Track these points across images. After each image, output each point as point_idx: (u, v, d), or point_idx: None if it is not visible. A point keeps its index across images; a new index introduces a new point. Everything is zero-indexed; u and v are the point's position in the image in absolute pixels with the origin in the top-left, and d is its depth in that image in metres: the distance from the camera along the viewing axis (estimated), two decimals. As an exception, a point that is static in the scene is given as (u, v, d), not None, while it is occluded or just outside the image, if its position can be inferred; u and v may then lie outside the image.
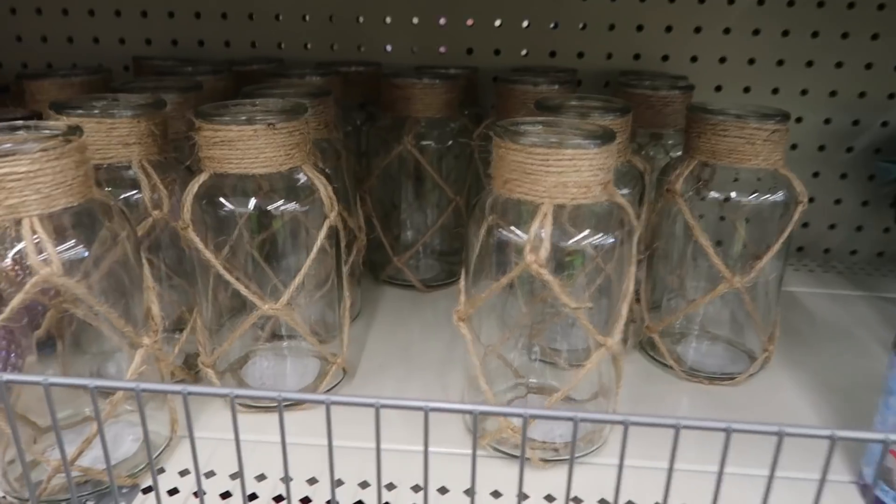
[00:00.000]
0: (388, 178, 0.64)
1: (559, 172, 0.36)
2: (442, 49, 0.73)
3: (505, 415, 0.31)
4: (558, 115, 0.47)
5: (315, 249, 0.42)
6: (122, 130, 0.43)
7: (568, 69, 0.69)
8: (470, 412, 0.31)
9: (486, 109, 0.72)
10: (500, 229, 0.39)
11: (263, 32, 0.74)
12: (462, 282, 0.43)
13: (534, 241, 0.36)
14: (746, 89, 0.71)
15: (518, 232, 0.39)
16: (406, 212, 0.64)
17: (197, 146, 0.42)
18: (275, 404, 0.46)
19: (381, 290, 0.64)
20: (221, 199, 0.43)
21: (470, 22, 0.72)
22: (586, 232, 0.38)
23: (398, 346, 0.55)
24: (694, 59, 0.71)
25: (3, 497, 0.38)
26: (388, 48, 0.74)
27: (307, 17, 0.73)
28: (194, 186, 0.41)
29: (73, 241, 0.34)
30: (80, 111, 0.42)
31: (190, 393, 0.33)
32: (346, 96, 0.63)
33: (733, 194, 0.48)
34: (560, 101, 0.50)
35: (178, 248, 0.48)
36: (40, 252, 0.31)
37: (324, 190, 0.43)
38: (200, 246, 0.41)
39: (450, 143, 0.62)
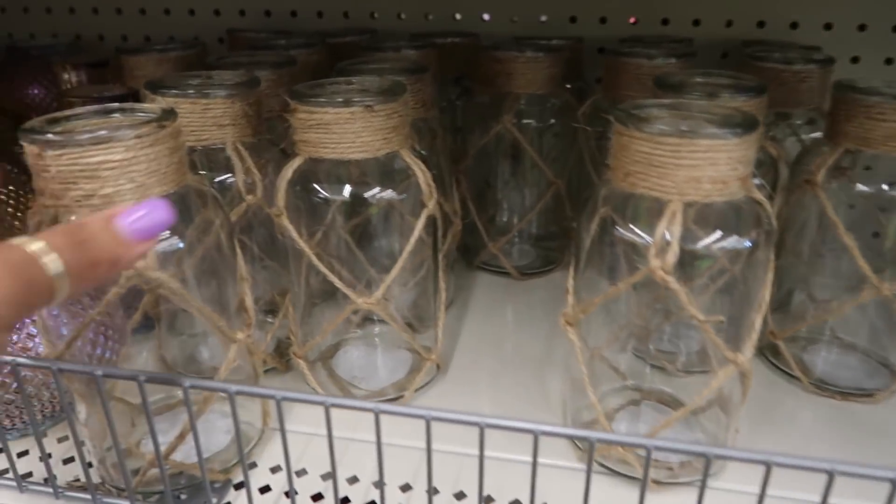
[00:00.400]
0: (483, 157, 0.61)
1: (692, 166, 0.31)
2: (543, 18, 0.68)
3: (626, 444, 0.28)
4: (681, 94, 0.42)
5: (412, 241, 0.40)
6: (216, 111, 0.41)
7: (683, 39, 0.63)
8: (586, 439, 0.28)
9: (589, 84, 0.67)
10: (616, 227, 0.35)
11: (356, 2, 0.71)
12: (570, 280, 0.39)
13: (660, 243, 0.32)
14: (888, 61, 0.63)
15: (637, 230, 0.34)
16: (502, 194, 0.61)
17: (291, 128, 0.39)
18: (381, 399, 0.44)
19: (475, 276, 0.61)
20: (315, 186, 0.41)
21: (574, -13, 0.67)
22: (718, 234, 0.34)
23: (492, 340, 0.52)
24: (828, 26, 0.63)
25: (102, 483, 0.38)
26: (486, 17, 0.69)
27: (403, -14, 0.70)
28: (288, 172, 0.39)
29: (168, 231, 0.32)
30: (175, 91, 0.41)
31: (284, 398, 0.31)
32: (441, 70, 0.60)
33: (885, 187, 0.42)
34: (682, 77, 0.45)
35: (269, 229, 0.47)
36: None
37: (423, 177, 0.40)
38: (294, 235, 0.39)
39: (552, 121, 0.58)
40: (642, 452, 0.34)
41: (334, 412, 0.29)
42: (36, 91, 0.69)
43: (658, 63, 0.52)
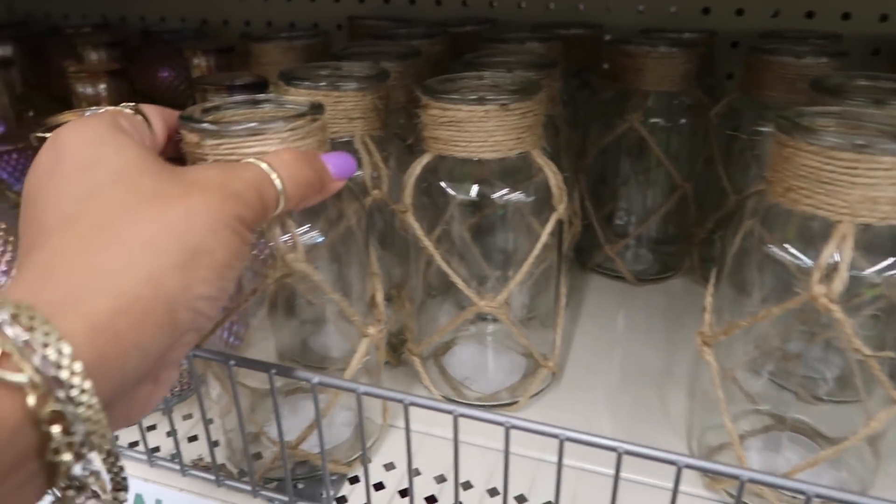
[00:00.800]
0: (602, 155, 0.58)
1: (870, 185, 0.28)
2: (673, 9, 0.65)
3: (784, 488, 0.25)
4: (842, 99, 0.38)
5: (540, 244, 0.38)
6: (347, 104, 0.41)
7: (831, 35, 0.58)
8: (736, 477, 0.26)
9: (720, 80, 0.63)
10: (768, 244, 0.33)
11: (477, -10, 0.70)
12: (707, 298, 0.37)
13: (825, 268, 0.29)
14: None
15: (794, 251, 0.32)
16: (621, 194, 0.58)
17: (421, 124, 0.39)
18: (488, 403, 0.44)
19: (588, 278, 0.59)
20: (442, 184, 0.40)
21: (709, -24, 0.63)
22: (890, 260, 0.31)
23: (607, 348, 0.50)
24: None
25: (224, 465, 0.39)
26: (611, 6, 0.66)
27: (524, -27, 0.68)
28: (416, 168, 0.38)
29: (308, 224, 0.32)
30: (308, 83, 0.41)
31: (412, 404, 0.30)
32: (564, 63, 0.58)
33: None
34: (841, 80, 0.41)
35: (384, 222, 0.47)
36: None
37: (554, 179, 0.38)
38: (420, 233, 0.39)
39: (682, 120, 0.54)
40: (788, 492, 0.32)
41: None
42: (166, 74, 0.72)
43: (808, 62, 0.48)
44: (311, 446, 0.37)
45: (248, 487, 0.36)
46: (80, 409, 0.17)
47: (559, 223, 0.40)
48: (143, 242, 0.20)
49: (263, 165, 0.26)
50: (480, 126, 0.36)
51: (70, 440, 0.18)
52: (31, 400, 0.17)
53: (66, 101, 0.74)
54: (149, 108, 0.28)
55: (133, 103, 0.28)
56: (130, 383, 0.20)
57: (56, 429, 0.17)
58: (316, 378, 0.31)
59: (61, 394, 0.17)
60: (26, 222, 0.23)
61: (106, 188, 0.22)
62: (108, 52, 0.65)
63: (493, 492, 0.37)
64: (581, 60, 0.62)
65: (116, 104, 0.60)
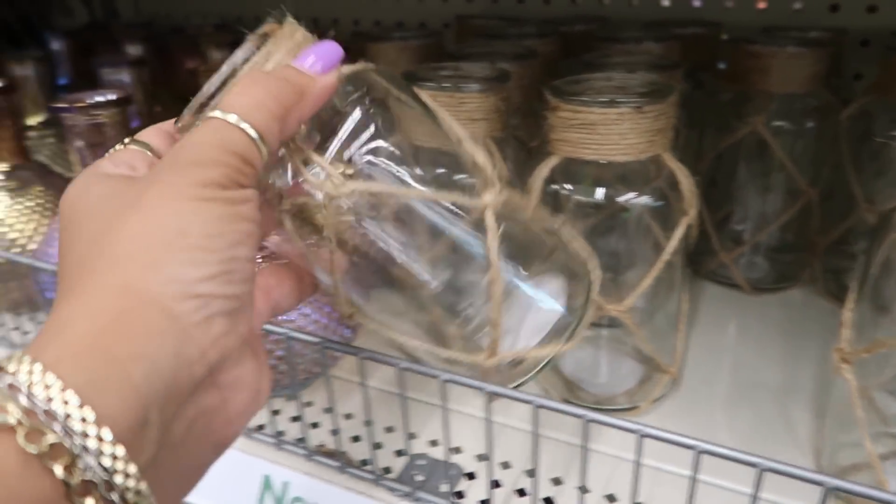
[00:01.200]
0: (717, 158, 0.57)
1: None
2: (798, 5, 0.62)
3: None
4: None
5: (670, 249, 0.38)
6: (470, 105, 0.41)
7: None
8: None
9: (846, 81, 0.60)
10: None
11: (587, -12, 0.69)
12: (845, 312, 0.35)
13: None
14: None
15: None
16: (737, 199, 0.56)
17: (547, 125, 0.39)
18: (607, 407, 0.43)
19: (701, 286, 0.57)
20: (566, 186, 0.40)
21: (838, -29, 0.59)
22: None
23: (723, 358, 0.48)
24: None
25: (345, 452, 0.40)
26: (729, 4, 0.64)
27: (637, -30, 0.66)
28: (544, 170, 0.38)
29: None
30: (432, 84, 0.41)
31: (541, 406, 0.31)
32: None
33: None
34: None
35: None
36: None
37: (685, 183, 0.37)
38: (544, 235, 0.39)
39: (809, 123, 0.52)
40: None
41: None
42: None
43: (957, 63, 0.45)
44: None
45: (371, 476, 0.37)
46: (76, 438, 0.16)
47: (689, 228, 0.39)
48: (109, 259, 0.20)
49: (216, 113, 0.22)
50: (613, 128, 0.36)
51: (83, 477, 0.16)
52: (21, 439, 0.16)
53: (189, 98, 0.79)
54: (147, 131, 0.26)
55: (128, 138, 0.26)
56: (160, 398, 0.19)
57: (58, 468, 0.16)
58: (445, 375, 0.32)
59: (57, 427, 0.16)
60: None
61: (84, 226, 0.21)
62: (230, 50, 0.68)
63: (611, 497, 0.37)
64: (696, 59, 0.60)
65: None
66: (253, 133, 0.22)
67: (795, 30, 0.58)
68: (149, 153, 0.25)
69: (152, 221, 0.20)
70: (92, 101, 0.45)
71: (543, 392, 0.44)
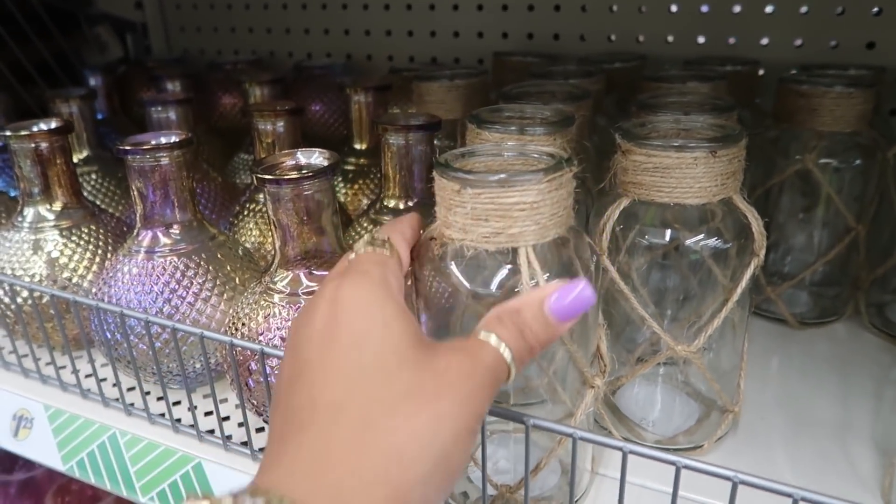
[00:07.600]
0: (766, 195, 0.57)
1: None
2: (832, 42, 0.63)
3: None
4: None
5: (739, 291, 0.38)
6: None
7: None
8: None
9: (883, 118, 0.61)
10: None
11: (622, 25, 0.70)
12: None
13: None
14: None
15: None
16: (784, 235, 0.57)
17: (617, 167, 0.39)
18: (669, 447, 0.42)
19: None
20: (637, 227, 0.40)
21: (875, 8, 0.61)
22: None
23: (777, 395, 0.48)
24: None
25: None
26: (765, 41, 0.66)
27: (673, 8, 0.68)
28: (615, 212, 0.39)
29: (548, 272, 0.32)
30: (498, 127, 0.42)
31: (631, 452, 0.31)
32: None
33: None
34: None
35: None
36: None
37: (756, 224, 0.38)
38: (616, 277, 0.39)
39: (856, 161, 0.53)
40: None
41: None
42: (318, 108, 0.76)
43: None
44: (503, 478, 0.38)
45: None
46: None
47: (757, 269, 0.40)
48: (396, 452, 0.22)
49: (493, 339, 0.26)
50: (688, 172, 0.36)
51: None
52: None
53: (224, 133, 0.79)
54: (396, 239, 0.29)
55: (386, 237, 0.29)
56: None
57: None
58: (532, 420, 0.32)
59: None
60: (295, 380, 0.25)
61: (369, 374, 0.24)
62: (270, 88, 0.69)
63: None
64: (738, 97, 0.61)
65: (291, 143, 0.62)
66: (513, 372, 0.26)
67: (833, 67, 0.59)
68: (400, 267, 0.29)
69: (440, 435, 0.23)
70: (158, 143, 0.45)
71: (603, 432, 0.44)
